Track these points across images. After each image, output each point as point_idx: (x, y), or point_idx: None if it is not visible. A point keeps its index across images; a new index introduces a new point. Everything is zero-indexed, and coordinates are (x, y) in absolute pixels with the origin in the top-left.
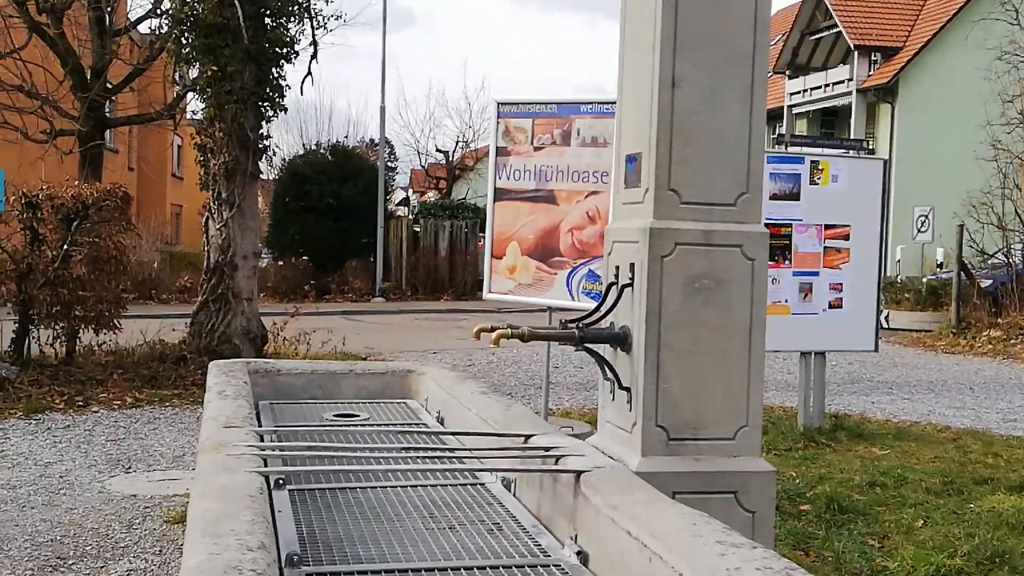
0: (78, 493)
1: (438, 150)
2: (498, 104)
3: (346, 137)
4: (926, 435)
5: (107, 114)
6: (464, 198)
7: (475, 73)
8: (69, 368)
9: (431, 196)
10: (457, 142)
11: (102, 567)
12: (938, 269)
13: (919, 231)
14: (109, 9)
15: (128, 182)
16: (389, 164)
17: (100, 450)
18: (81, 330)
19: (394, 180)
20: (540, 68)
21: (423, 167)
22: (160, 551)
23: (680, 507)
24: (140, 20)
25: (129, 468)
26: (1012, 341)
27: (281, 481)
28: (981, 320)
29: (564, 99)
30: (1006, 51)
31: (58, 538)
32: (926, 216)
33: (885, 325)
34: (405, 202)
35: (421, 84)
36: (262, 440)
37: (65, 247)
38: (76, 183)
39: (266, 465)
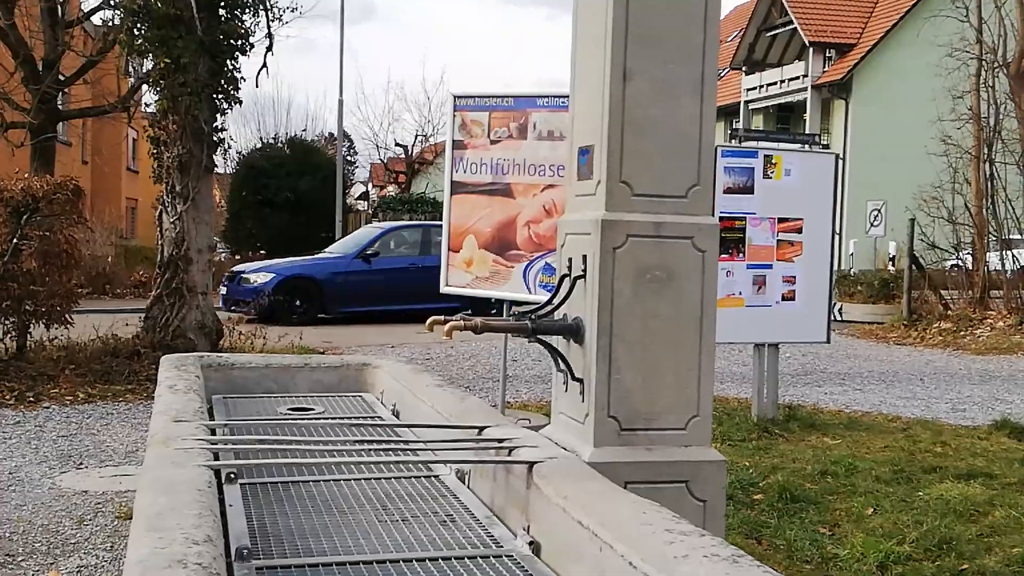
0: (28, 489)
1: (397, 144)
2: (455, 97)
3: (304, 131)
4: (877, 425)
5: (59, 106)
6: (423, 192)
7: (435, 67)
8: (19, 364)
9: (391, 190)
10: (416, 136)
11: (52, 563)
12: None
13: (872, 225)
14: (61, 0)
15: (82, 175)
16: (348, 158)
17: (51, 446)
18: (32, 325)
19: (353, 174)
20: (501, 62)
21: (382, 161)
22: (111, 547)
23: (630, 497)
24: (93, 11)
25: (81, 464)
26: (962, 333)
27: (232, 475)
28: (932, 312)
29: (520, 92)
30: (956, 48)
31: (6, 535)
32: (879, 210)
33: (838, 317)
34: (364, 196)
35: (380, 78)
36: (214, 434)
37: (15, 241)
38: (26, 176)
39: (217, 459)
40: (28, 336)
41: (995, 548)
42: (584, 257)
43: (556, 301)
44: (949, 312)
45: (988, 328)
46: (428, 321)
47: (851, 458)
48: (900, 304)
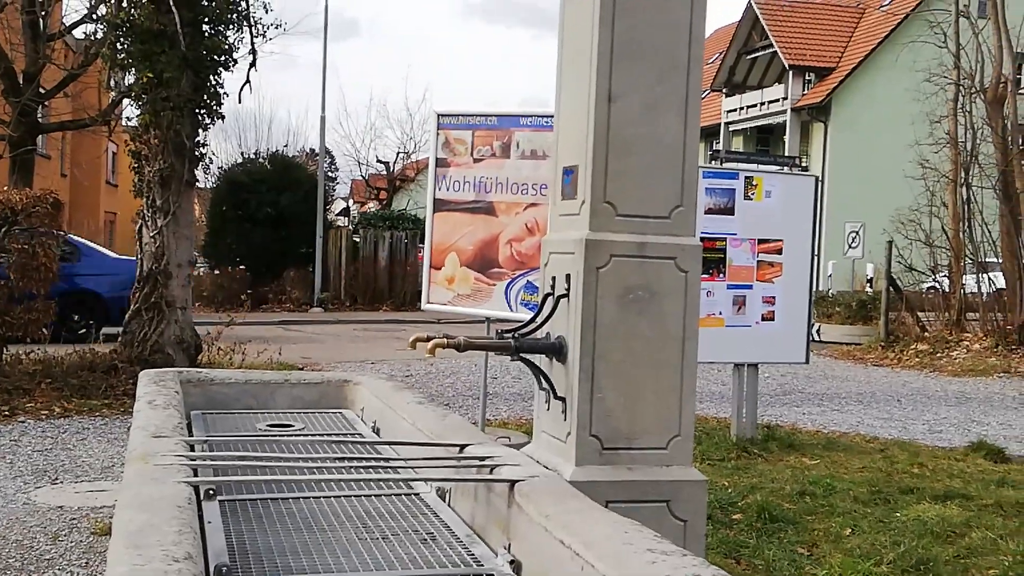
0: (1, 504)
1: (379, 161)
2: (438, 115)
3: (286, 146)
4: (855, 445)
5: (39, 119)
6: (404, 209)
7: (417, 84)
8: None
9: (371, 207)
10: (398, 153)
11: None
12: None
13: (850, 247)
14: (43, 13)
15: (61, 189)
16: (329, 174)
17: (26, 461)
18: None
19: (334, 190)
20: (484, 81)
21: (364, 178)
22: (87, 563)
23: (612, 516)
24: (75, 25)
25: (56, 479)
26: (938, 354)
27: (212, 491)
28: (909, 334)
29: (504, 112)
30: (934, 73)
31: None
32: (857, 232)
33: (816, 338)
34: (345, 212)
35: (363, 95)
36: (193, 450)
37: None
38: (5, 189)
39: (196, 475)
40: (4, 349)
41: (972, 569)
42: (567, 276)
43: (539, 320)
44: (926, 334)
45: (964, 350)
46: (412, 339)
47: (829, 478)
48: (878, 325)
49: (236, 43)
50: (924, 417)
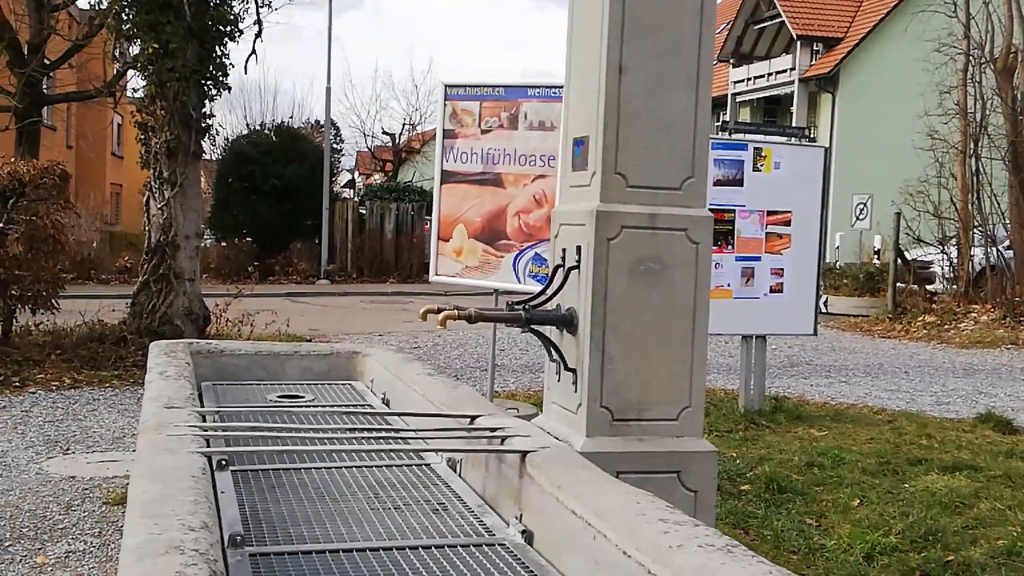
0: (15, 475)
1: (384, 132)
2: (446, 86)
3: (291, 118)
4: (862, 417)
5: (45, 90)
6: (411, 181)
7: (422, 55)
8: (5, 348)
9: (377, 179)
10: (404, 124)
11: (40, 549)
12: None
13: (858, 218)
14: None
15: (66, 160)
16: (335, 146)
17: (37, 431)
18: (18, 310)
19: (340, 162)
20: (488, 52)
21: (369, 149)
22: (100, 532)
23: (624, 486)
24: None
25: (67, 450)
26: (946, 326)
27: (224, 462)
28: (916, 306)
29: (512, 82)
30: (943, 43)
31: None
32: (865, 204)
33: (824, 310)
34: (351, 184)
35: (368, 66)
36: (204, 421)
37: (1, 225)
38: (12, 160)
39: (208, 446)
40: (14, 321)
41: (980, 540)
42: (578, 248)
43: (550, 291)
44: (933, 306)
45: (972, 322)
46: (422, 310)
47: (837, 450)
48: (885, 297)
49: (241, 13)
50: (932, 389)
